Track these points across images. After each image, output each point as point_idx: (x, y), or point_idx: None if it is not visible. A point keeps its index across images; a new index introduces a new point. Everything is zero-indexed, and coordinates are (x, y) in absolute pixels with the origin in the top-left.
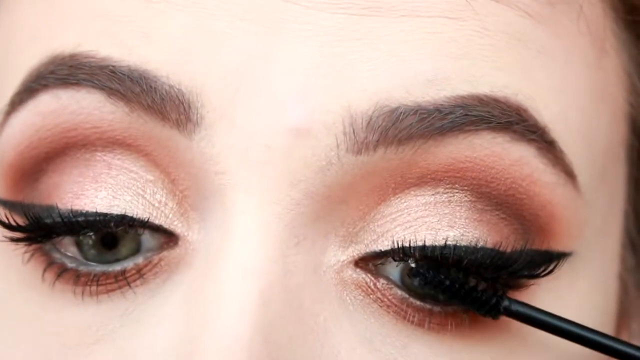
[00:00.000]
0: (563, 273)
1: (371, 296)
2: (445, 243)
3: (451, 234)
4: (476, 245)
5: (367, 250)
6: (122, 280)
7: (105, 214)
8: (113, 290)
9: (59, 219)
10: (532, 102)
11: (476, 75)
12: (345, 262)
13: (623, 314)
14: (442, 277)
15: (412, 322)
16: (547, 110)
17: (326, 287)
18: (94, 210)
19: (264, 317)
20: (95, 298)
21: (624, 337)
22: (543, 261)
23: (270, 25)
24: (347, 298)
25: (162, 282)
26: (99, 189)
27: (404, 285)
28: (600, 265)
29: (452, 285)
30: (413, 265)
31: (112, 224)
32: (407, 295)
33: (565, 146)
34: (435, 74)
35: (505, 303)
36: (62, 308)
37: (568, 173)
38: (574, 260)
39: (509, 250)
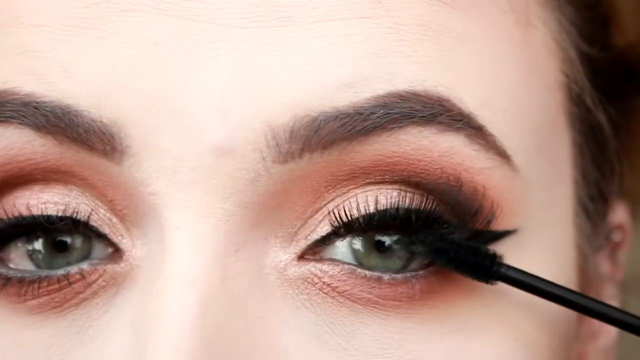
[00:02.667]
0: (509, 250)
1: (317, 285)
2: (382, 207)
3: (386, 205)
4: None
5: (308, 243)
6: (67, 287)
7: (50, 215)
8: (61, 303)
9: (4, 217)
10: (453, 91)
11: (394, 72)
12: (288, 260)
13: (586, 282)
14: (442, 242)
15: (360, 298)
16: (470, 96)
17: (271, 288)
18: (39, 214)
19: (205, 327)
20: (47, 316)
21: None
22: (485, 242)
23: (185, 48)
24: (293, 295)
25: (112, 296)
26: (45, 199)
27: (352, 258)
28: (550, 236)
29: (450, 250)
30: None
31: (59, 222)
32: (354, 268)
33: (494, 129)
34: (352, 76)
35: (501, 269)
36: (13, 331)
37: (501, 155)
38: (520, 236)
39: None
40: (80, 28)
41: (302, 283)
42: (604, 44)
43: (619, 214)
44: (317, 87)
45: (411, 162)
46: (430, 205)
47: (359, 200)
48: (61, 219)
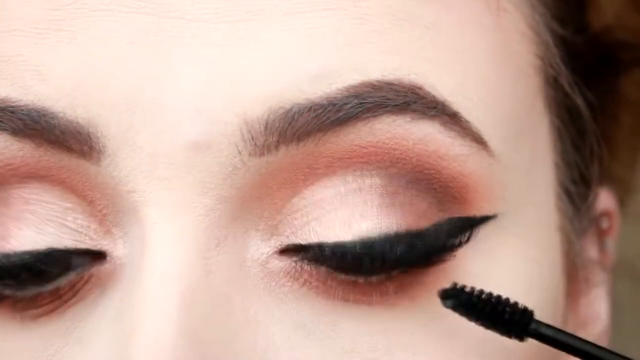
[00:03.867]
0: (491, 235)
1: (299, 280)
2: (360, 238)
3: (364, 225)
4: (392, 233)
5: (288, 242)
6: (57, 299)
7: (32, 252)
8: (51, 310)
9: None
10: (426, 78)
11: (365, 62)
12: (270, 253)
13: (571, 266)
14: (475, 300)
15: (339, 297)
16: (443, 84)
17: (253, 280)
18: (21, 250)
19: (188, 320)
20: (37, 321)
21: (574, 289)
22: (465, 228)
23: (157, 46)
24: (276, 287)
25: (96, 297)
26: (22, 227)
27: (328, 261)
28: (533, 220)
29: (484, 308)
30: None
31: (40, 264)
32: (330, 270)
33: (470, 115)
34: (324, 68)
35: (533, 326)
36: (6, 336)
37: (477, 141)
38: (501, 221)
39: (426, 225)
40: (52, 30)
41: (285, 276)
42: (579, 26)
43: (605, 200)
44: (290, 80)
45: (386, 151)
46: (407, 211)
47: (340, 231)
48: (45, 262)
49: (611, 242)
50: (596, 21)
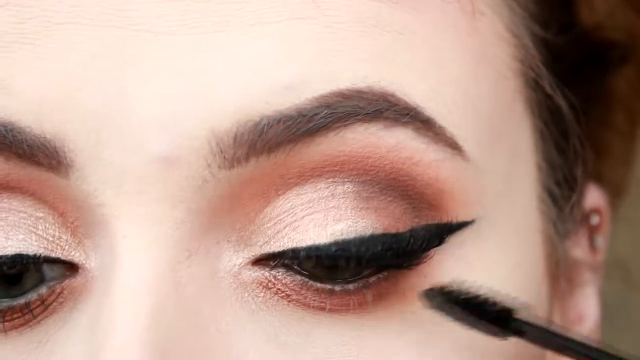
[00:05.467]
0: (468, 241)
1: (272, 289)
2: (335, 240)
3: (339, 227)
4: (367, 235)
5: (262, 252)
6: (28, 314)
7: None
8: (22, 324)
9: None
10: (398, 85)
11: (335, 71)
12: (242, 264)
13: (555, 268)
14: (456, 300)
15: (314, 306)
16: (416, 89)
17: (225, 292)
18: None
19: (157, 335)
20: (8, 334)
21: (559, 290)
22: (441, 234)
23: (124, 59)
24: (249, 298)
25: (69, 310)
26: None
27: (303, 269)
28: (512, 224)
29: (465, 308)
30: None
31: (5, 267)
32: (306, 279)
33: (444, 120)
34: (293, 78)
35: (514, 324)
36: None
37: (452, 146)
38: (478, 226)
39: (402, 229)
40: (17, 44)
41: (257, 287)
42: (562, 26)
43: (594, 197)
44: (258, 91)
45: (359, 159)
46: (381, 215)
47: (314, 234)
48: (11, 266)
49: (602, 239)
50: (587, 18)
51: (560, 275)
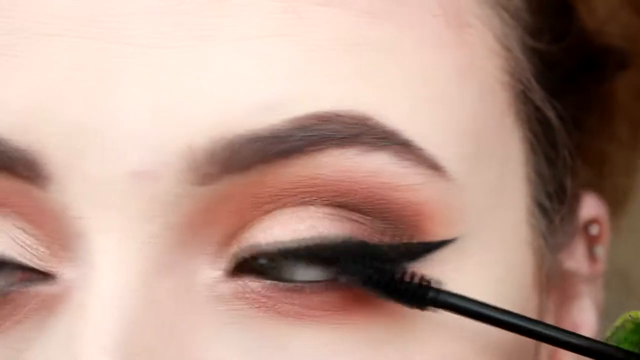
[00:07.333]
0: (449, 259)
1: (246, 301)
2: (306, 238)
3: (314, 232)
4: (340, 240)
5: (236, 261)
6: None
7: None
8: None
9: None
10: (377, 107)
11: (312, 93)
12: (218, 276)
13: (545, 282)
14: (369, 270)
15: (286, 314)
16: (395, 111)
17: (202, 305)
18: None
19: (128, 351)
20: None
21: (551, 303)
22: (421, 252)
23: (105, 72)
24: (225, 311)
25: (44, 318)
26: None
27: (273, 274)
28: (499, 238)
29: (379, 278)
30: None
31: None
32: (276, 282)
33: (424, 141)
34: (270, 98)
35: (432, 294)
36: None
37: (433, 167)
38: (463, 243)
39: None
40: None
41: (232, 299)
42: (557, 33)
43: (592, 207)
44: (235, 110)
45: (334, 183)
46: (359, 229)
47: (280, 229)
48: None
49: (602, 249)
50: (587, 22)
51: (551, 288)
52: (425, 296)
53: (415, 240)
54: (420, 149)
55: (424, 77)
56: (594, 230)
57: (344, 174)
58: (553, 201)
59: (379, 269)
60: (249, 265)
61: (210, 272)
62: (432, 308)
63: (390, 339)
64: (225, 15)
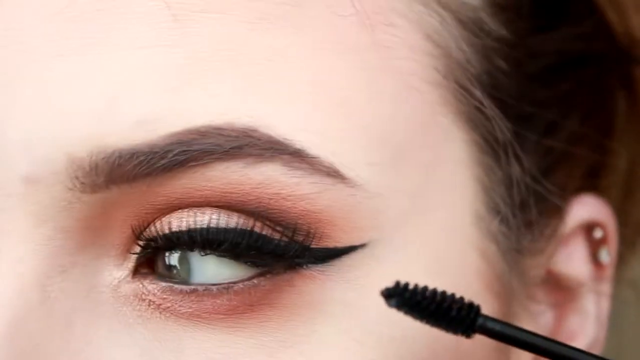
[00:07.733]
0: (358, 264)
1: (146, 301)
2: (208, 226)
3: (213, 224)
4: (236, 228)
5: (138, 262)
6: None
7: None
8: None
9: None
10: (262, 119)
11: (191, 107)
12: (122, 277)
13: (502, 287)
14: (419, 298)
15: (184, 315)
16: (284, 121)
17: (103, 306)
18: None
19: (15, 346)
20: None
21: (525, 311)
22: (324, 257)
23: (2, 79)
24: (126, 312)
25: None
26: None
27: (170, 276)
28: (421, 243)
29: (428, 306)
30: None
31: None
32: (171, 284)
33: (318, 149)
34: (148, 112)
35: (480, 321)
36: None
37: (332, 174)
38: (373, 247)
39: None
40: None
41: (134, 299)
42: (515, 30)
43: (590, 209)
44: (113, 123)
45: (223, 194)
46: (259, 228)
47: (181, 223)
48: None
49: (607, 253)
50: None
51: (516, 293)
52: (474, 323)
53: (320, 246)
54: (314, 157)
55: (321, 83)
56: (598, 233)
57: (232, 187)
58: (511, 205)
59: (426, 296)
60: (150, 267)
61: (116, 272)
62: (477, 334)
63: (284, 345)
64: (113, 24)
